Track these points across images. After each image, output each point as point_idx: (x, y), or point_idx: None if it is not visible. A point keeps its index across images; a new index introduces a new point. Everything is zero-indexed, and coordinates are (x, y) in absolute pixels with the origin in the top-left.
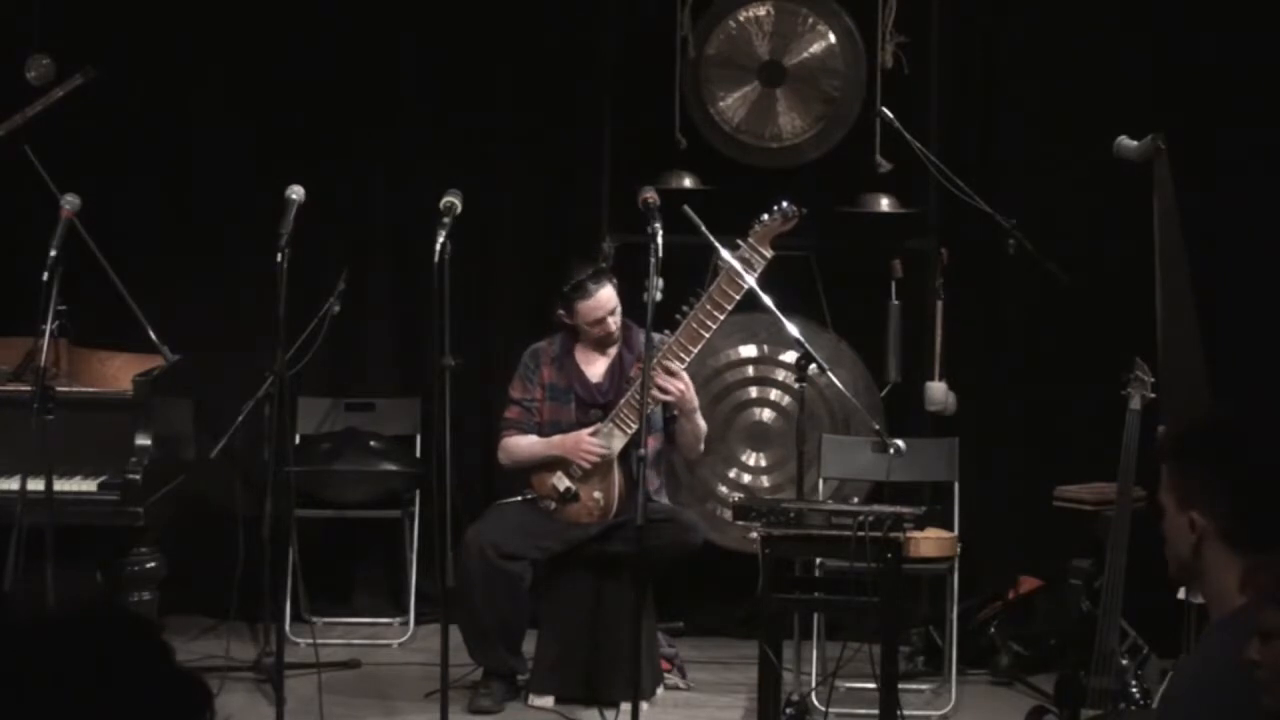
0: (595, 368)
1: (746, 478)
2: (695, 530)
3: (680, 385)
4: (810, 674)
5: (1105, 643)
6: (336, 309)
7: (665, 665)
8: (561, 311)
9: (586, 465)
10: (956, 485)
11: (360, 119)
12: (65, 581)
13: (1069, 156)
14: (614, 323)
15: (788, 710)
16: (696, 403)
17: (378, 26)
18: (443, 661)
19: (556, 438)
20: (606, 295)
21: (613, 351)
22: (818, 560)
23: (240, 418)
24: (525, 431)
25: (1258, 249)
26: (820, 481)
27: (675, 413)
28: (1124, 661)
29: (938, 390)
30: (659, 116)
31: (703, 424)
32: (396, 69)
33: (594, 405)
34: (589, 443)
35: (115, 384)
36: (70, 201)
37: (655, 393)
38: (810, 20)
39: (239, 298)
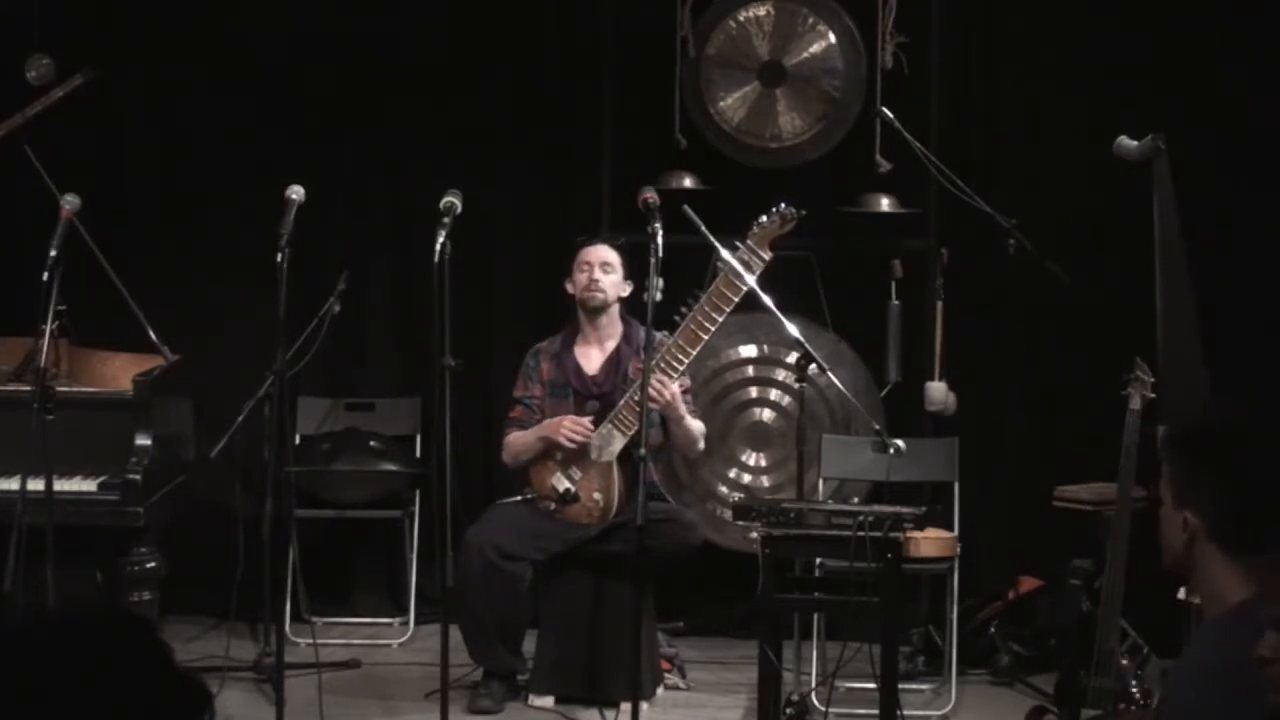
0: (592, 361)
1: (746, 478)
2: (695, 530)
3: (665, 397)
4: (810, 674)
5: (1105, 643)
6: (336, 309)
7: (665, 665)
8: (568, 279)
9: (570, 445)
10: (956, 485)
11: (361, 119)
12: (65, 581)
13: (1069, 156)
14: (600, 277)
15: (788, 710)
16: (682, 410)
17: (378, 26)
18: (443, 661)
19: (544, 422)
20: (605, 250)
21: (610, 345)
22: (818, 560)
23: (240, 418)
24: (525, 429)
25: (1258, 248)
26: (820, 481)
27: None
28: (1124, 661)
29: (938, 390)
30: (659, 116)
31: (696, 425)
32: (396, 69)
33: (590, 397)
34: (572, 420)
35: (115, 384)
36: (70, 201)
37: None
38: (810, 20)
39: (239, 298)
